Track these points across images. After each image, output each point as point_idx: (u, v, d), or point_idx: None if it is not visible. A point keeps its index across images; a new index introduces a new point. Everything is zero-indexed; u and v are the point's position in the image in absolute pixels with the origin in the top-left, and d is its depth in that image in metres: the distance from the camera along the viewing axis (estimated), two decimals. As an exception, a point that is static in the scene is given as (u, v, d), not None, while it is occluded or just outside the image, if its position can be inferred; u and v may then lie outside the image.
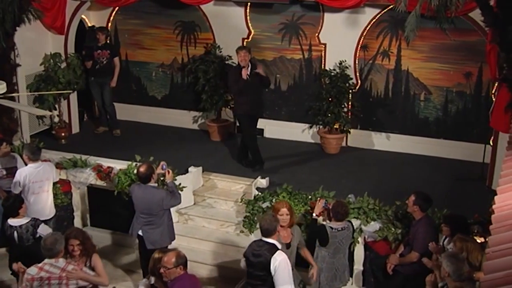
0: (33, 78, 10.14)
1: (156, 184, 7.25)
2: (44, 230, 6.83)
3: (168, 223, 7.26)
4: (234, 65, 9.74)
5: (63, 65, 10.45)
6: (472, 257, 5.77)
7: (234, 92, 9.28)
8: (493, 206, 3.74)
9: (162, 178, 7.64)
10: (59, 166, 8.94)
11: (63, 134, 10.41)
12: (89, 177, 8.93)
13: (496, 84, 8.55)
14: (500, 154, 7.75)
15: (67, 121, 10.70)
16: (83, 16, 10.95)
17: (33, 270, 5.76)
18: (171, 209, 7.49)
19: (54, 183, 8.17)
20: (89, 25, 11.19)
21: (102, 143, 10.37)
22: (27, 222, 6.79)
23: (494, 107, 8.14)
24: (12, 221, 6.79)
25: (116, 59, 10.73)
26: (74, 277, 5.77)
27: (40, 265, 5.78)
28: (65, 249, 6.01)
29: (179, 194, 7.35)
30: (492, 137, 8.71)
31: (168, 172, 7.27)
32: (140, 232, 7.24)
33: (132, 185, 7.52)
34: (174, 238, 7.47)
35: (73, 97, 10.80)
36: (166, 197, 7.08)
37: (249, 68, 9.00)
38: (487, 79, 9.26)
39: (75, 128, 10.98)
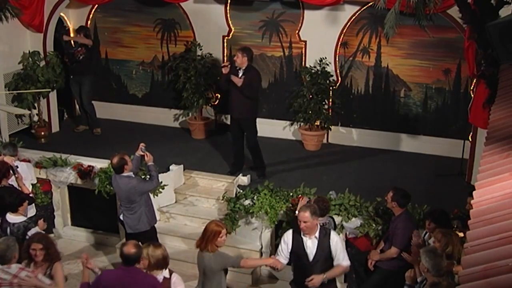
0: (12, 76, 10.04)
1: (130, 173, 7.30)
2: None
3: (145, 209, 7.41)
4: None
5: (42, 63, 10.36)
6: (455, 250, 5.83)
7: (220, 87, 8.94)
8: (472, 201, 3.78)
9: (144, 162, 7.67)
10: (39, 165, 8.88)
11: (42, 133, 10.32)
12: (69, 176, 8.87)
13: (474, 81, 8.64)
14: (479, 149, 7.82)
15: (46, 120, 10.60)
16: (62, 14, 10.85)
17: None
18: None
19: (33, 184, 8.11)
20: (68, 24, 11.11)
21: (82, 142, 10.30)
22: (21, 222, 6.69)
23: (472, 103, 8.22)
24: (9, 217, 6.76)
25: (89, 40, 10.50)
26: (26, 284, 5.58)
27: None
28: (28, 254, 5.89)
29: (158, 177, 7.52)
30: (471, 133, 8.80)
31: (147, 154, 7.43)
32: (121, 217, 7.51)
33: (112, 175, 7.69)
34: (154, 222, 7.68)
35: (53, 95, 10.71)
36: (137, 184, 7.29)
37: (241, 70, 8.64)
38: (466, 75, 9.34)
39: (55, 127, 10.89)
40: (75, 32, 10.57)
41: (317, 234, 6.14)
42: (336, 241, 6.20)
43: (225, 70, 8.61)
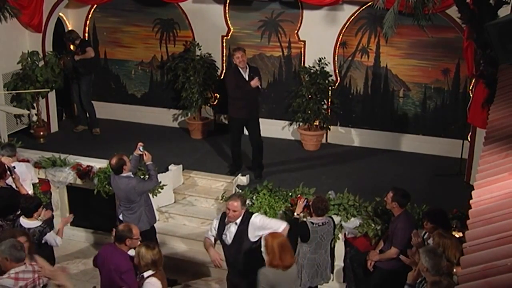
0: (10, 76, 10.02)
1: (129, 174, 7.29)
2: (51, 238, 6.74)
3: (145, 209, 7.42)
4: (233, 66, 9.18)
5: (41, 63, 10.35)
6: (449, 253, 5.82)
7: (236, 96, 8.73)
8: (471, 201, 3.78)
9: (143, 161, 7.64)
10: (37, 165, 8.87)
11: (41, 133, 10.31)
12: (68, 176, 8.87)
13: (473, 81, 8.64)
14: (478, 149, 7.82)
15: (45, 120, 10.59)
16: (61, 14, 10.85)
17: (9, 282, 5.46)
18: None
19: (34, 184, 8.10)
20: (67, 23, 11.12)
21: (81, 142, 10.30)
22: (36, 227, 6.65)
23: (471, 103, 8.23)
24: (23, 222, 6.70)
25: (89, 49, 10.46)
26: (42, 274, 5.68)
27: (13, 275, 5.48)
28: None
29: (157, 176, 7.50)
30: (470, 133, 8.80)
31: (145, 154, 7.41)
32: (121, 217, 7.47)
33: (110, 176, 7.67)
34: (154, 222, 7.68)
35: (52, 95, 10.70)
36: (137, 184, 7.26)
37: (247, 71, 8.69)
38: (465, 75, 9.35)
39: (54, 127, 10.89)
40: (65, 38, 10.53)
41: (238, 221, 6.20)
42: (259, 220, 6.21)
43: (254, 83, 8.62)
